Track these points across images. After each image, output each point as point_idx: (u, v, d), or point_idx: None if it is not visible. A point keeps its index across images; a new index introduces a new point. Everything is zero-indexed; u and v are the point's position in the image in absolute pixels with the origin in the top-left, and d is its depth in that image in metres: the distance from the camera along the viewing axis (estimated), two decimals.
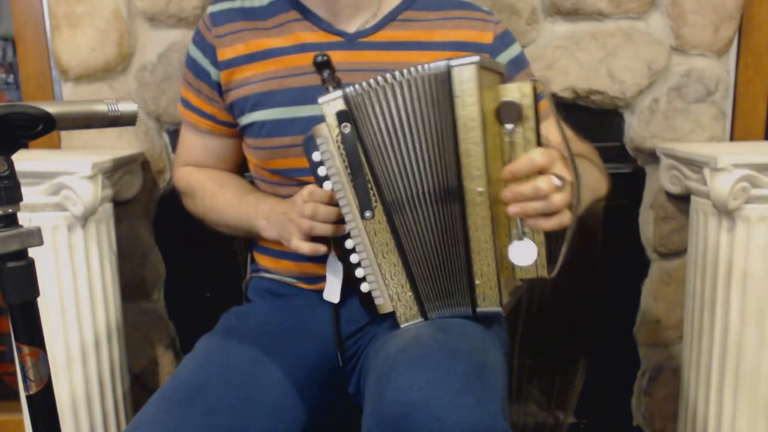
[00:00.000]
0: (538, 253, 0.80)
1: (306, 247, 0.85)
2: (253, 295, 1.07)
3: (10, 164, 0.61)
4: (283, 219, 0.90)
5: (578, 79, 1.35)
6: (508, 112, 0.76)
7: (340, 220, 0.85)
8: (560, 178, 0.76)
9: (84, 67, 1.32)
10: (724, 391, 1.23)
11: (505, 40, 1.02)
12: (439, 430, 0.67)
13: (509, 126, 0.77)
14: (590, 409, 1.50)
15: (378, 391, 0.74)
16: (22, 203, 0.62)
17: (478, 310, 0.84)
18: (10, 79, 1.73)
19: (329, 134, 0.82)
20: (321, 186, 0.85)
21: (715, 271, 1.21)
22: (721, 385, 1.23)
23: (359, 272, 0.87)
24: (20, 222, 0.62)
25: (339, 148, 0.82)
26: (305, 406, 0.89)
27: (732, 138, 1.42)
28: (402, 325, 0.87)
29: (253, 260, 1.10)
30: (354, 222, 0.84)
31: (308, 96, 0.93)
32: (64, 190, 1.12)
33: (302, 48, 0.97)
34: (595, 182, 0.96)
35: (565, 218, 0.77)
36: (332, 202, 0.84)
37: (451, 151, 0.79)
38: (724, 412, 1.23)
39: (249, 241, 1.11)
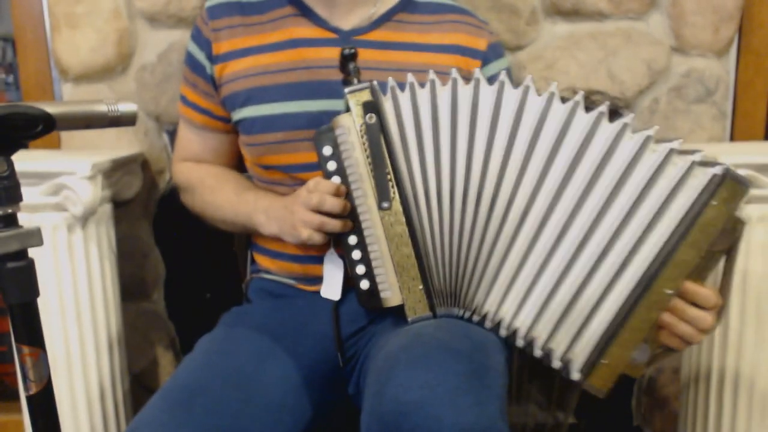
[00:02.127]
0: (647, 360, 0.80)
1: (318, 237, 0.86)
2: (253, 295, 1.07)
3: (10, 164, 0.61)
4: (285, 213, 0.90)
5: (578, 79, 1.35)
6: (722, 236, 0.76)
7: (345, 216, 0.85)
8: (717, 321, 0.77)
9: (84, 67, 1.32)
10: (724, 391, 1.23)
11: (497, 50, 1.03)
12: (438, 429, 0.67)
13: (716, 247, 0.76)
14: (590, 409, 1.50)
15: (377, 389, 0.74)
16: (22, 203, 0.62)
17: (586, 383, 0.83)
18: (10, 79, 1.73)
19: (353, 124, 0.84)
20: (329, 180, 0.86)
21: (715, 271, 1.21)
22: (721, 385, 1.23)
23: (360, 269, 0.87)
24: (20, 222, 0.62)
25: (362, 137, 0.83)
26: (305, 407, 0.89)
27: (732, 138, 1.42)
28: (409, 318, 0.87)
29: (253, 261, 1.10)
30: (368, 213, 0.85)
31: (301, 92, 0.94)
32: (64, 191, 1.12)
33: (295, 43, 0.97)
34: None
35: (684, 347, 0.79)
36: (338, 195, 0.84)
37: (663, 238, 0.77)
38: (724, 412, 1.23)
39: (249, 242, 1.11)
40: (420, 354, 0.76)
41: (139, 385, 1.45)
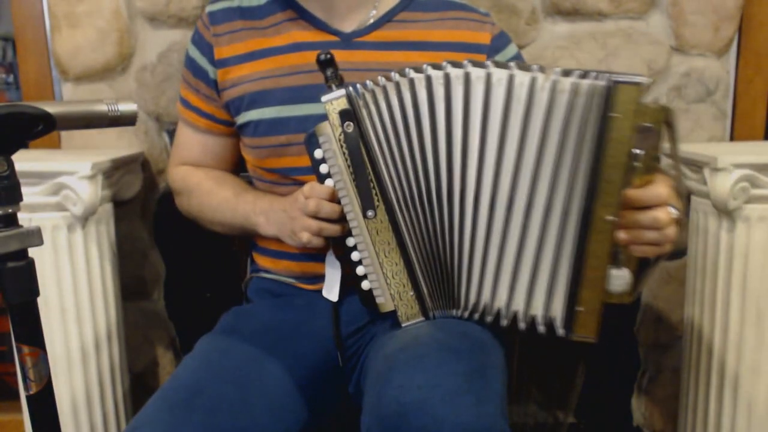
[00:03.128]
0: (630, 281, 0.78)
1: (317, 241, 0.85)
2: (253, 295, 1.07)
3: (10, 164, 0.61)
4: (284, 217, 0.90)
5: None
6: (642, 137, 0.73)
7: (342, 218, 0.85)
8: (677, 209, 0.75)
9: (84, 67, 1.32)
10: (724, 391, 1.22)
11: (502, 40, 1.02)
12: (438, 429, 0.67)
13: (637, 151, 0.73)
14: (590, 409, 1.50)
15: (377, 390, 0.74)
16: (22, 203, 0.62)
17: (574, 336, 0.82)
18: (10, 79, 1.73)
19: (332, 133, 0.83)
20: (322, 183, 0.85)
21: (715, 271, 1.21)
22: (721, 385, 1.23)
23: (360, 270, 0.87)
24: (20, 222, 0.62)
25: (342, 147, 0.83)
26: (305, 406, 0.89)
27: (732, 138, 1.42)
28: (403, 324, 0.87)
29: (252, 261, 1.10)
30: (356, 221, 0.84)
31: (304, 95, 0.94)
32: (64, 190, 1.12)
33: (297, 47, 0.97)
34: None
35: (667, 248, 0.76)
36: (333, 198, 0.85)
37: (580, 171, 0.76)
38: (724, 412, 1.23)
39: (248, 242, 1.11)
40: (419, 354, 0.76)
41: (139, 385, 1.45)
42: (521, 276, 0.83)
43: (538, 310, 0.83)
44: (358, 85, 0.82)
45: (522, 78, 0.77)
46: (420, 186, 0.83)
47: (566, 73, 0.75)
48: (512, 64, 0.78)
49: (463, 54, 0.97)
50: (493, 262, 0.84)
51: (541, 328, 0.83)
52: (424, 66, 0.80)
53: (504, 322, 0.85)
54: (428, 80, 0.80)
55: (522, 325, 0.84)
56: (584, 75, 0.75)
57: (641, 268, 0.79)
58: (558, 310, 0.82)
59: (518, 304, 0.84)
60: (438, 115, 0.81)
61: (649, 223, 0.74)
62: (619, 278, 0.78)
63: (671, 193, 0.75)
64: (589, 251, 0.78)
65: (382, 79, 0.82)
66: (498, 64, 0.78)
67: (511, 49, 1.02)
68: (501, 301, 0.85)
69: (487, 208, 0.82)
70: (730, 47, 1.36)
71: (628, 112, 0.73)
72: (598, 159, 0.75)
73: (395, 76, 0.81)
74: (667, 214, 0.74)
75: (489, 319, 0.86)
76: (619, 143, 0.74)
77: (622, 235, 0.76)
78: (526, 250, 0.82)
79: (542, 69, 0.77)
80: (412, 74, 0.80)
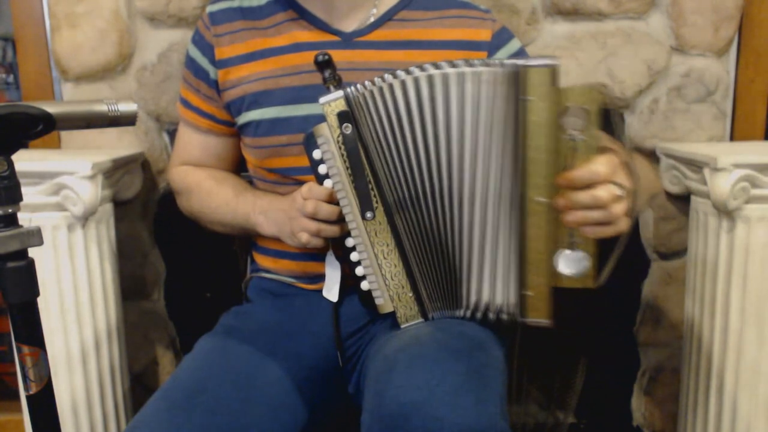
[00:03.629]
0: (589, 264, 0.77)
1: (317, 242, 0.86)
2: (253, 295, 1.07)
3: (10, 164, 0.61)
4: (283, 217, 0.91)
5: (578, 79, 1.35)
6: (573, 118, 0.73)
7: (341, 219, 0.85)
8: (621, 186, 0.74)
9: (84, 67, 1.32)
10: (724, 391, 1.22)
11: (503, 36, 1.01)
12: (438, 429, 0.67)
13: (573, 132, 0.73)
14: (590, 409, 1.50)
15: (377, 390, 0.74)
16: (22, 203, 0.62)
17: (527, 321, 0.83)
18: (10, 79, 1.73)
19: (330, 135, 0.82)
20: (321, 184, 0.85)
21: (715, 271, 1.21)
22: (721, 385, 1.23)
23: (359, 270, 0.87)
24: (20, 222, 0.62)
25: (340, 148, 0.82)
26: (305, 406, 0.89)
27: (732, 138, 1.42)
28: (402, 326, 0.87)
29: (252, 260, 1.10)
30: (355, 222, 0.84)
31: (305, 95, 0.94)
32: (64, 190, 1.12)
33: (298, 47, 0.97)
34: (651, 181, 0.94)
35: (622, 226, 0.75)
36: (332, 200, 0.85)
37: (508, 156, 0.77)
38: (724, 412, 1.23)
39: (249, 241, 1.11)
40: (418, 354, 0.76)
41: (139, 385, 1.45)
42: (496, 268, 0.84)
43: (499, 298, 0.85)
44: (358, 86, 0.82)
45: (452, 72, 0.79)
46: (416, 187, 0.83)
47: (470, 63, 0.77)
48: (443, 63, 0.79)
49: (464, 52, 0.97)
50: (488, 258, 0.84)
51: (504, 316, 0.85)
52: (411, 68, 0.81)
53: (504, 317, 0.86)
54: (416, 81, 0.80)
55: (491, 316, 0.86)
56: (487, 64, 0.77)
57: (605, 251, 0.78)
58: (512, 296, 0.83)
59: (487, 296, 0.85)
60: (424, 114, 0.81)
61: (589, 201, 0.73)
62: (573, 261, 0.78)
63: (613, 170, 0.73)
64: (528, 235, 0.79)
65: (378, 80, 0.82)
66: (436, 66, 0.79)
67: (514, 45, 1.02)
68: (486, 295, 0.86)
69: (456, 206, 0.83)
70: (730, 47, 1.36)
71: (542, 94, 0.73)
72: (520, 142, 0.76)
73: (389, 77, 0.81)
74: (607, 191, 0.73)
75: (492, 316, 0.86)
76: (538, 126, 0.74)
77: (568, 216, 0.75)
78: (486, 242, 0.83)
79: (469, 63, 0.78)
80: (404, 75, 0.80)
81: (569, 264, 0.78)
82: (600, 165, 0.73)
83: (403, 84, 0.80)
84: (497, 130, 0.78)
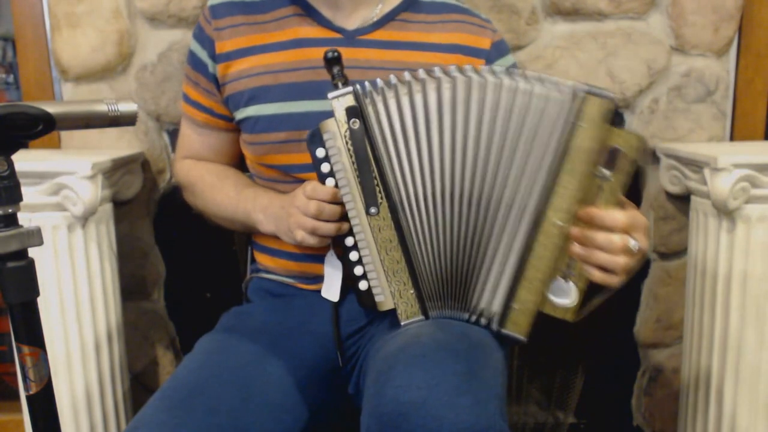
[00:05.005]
0: (576, 299, 0.79)
1: (313, 240, 0.86)
2: (253, 295, 1.07)
3: (10, 164, 0.61)
4: (282, 214, 0.90)
5: (578, 79, 1.34)
6: (610, 158, 0.75)
7: (341, 219, 0.85)
8: (638, 243, 0.75)
9: (84, 67, 1.32)
10: (724, 391, 1.23)
11: (501, 48, 1.03)
12: (438, 429, 0.67)
13: (605, 171, 0.76)
14: (590, 409, 1.50)
15: (377, 390, 0.74)
16: (22, 203, 0.62)
17: (503, 330, 0.85)
18: (10, 79, 1.73)
19: (337, 130, 0.83)
20: (323, 182, 0.85)
21: (715, 271, 1.21)
22: (721, 385, 1.23)
23: (358, 270, 0.87)
24: (20, 222, 0.62)
25: (346, 143, 0.83)
26: (305, 406, 0.89)
27: (732, 138, 1.42)
28: (402, 323, 0.87)
29: (253, 260, 1.10)
30: (358, 218, 0.84)
31: (304, 92, 0.94)
32: (64, 190, 1.12)
33: (299, 43, 0.97)
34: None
35: (618, 279, 0.77)
36: (335, 200, 0.85)
37: (542, 172, 0.79)
38: (724, 412, 1.23)
39: (249, 241, 1.11)
40: (418, 354, 0.76)
41: (139, 385, 1.45)
42: (499, 274, 0.85)
43: (485, 304, 0.86)
44: (366, 83, 0.83)
45: (509, 83, 0.80)
46: (425, 186, 0.84)
47: (541, 79, 0.78)
48: (496, 68, 0.81)
49: (463, 57, 0.98)
50: (497, 264, 0.84)
51: (483, 321, 0.86)
52: (434, 68, 0.82)
53: (494, 327, 0.86)
54: (423, 84, 0.82)
55: (473, 318, 0.87)
56: (553, 83, 0.78)
57: (590, 294, 0.80)
58: (497, 305, 0.85)
59: (486, 300, 0.86)
60: (443, 117, 0.82)
61: (602, 243, 0.75)
62: (563, 291, 0.79)
63: (635, 225, 0.76)
64: (534, 251, 0.80)
65: (393, 78, 0.83)
66: (490, 71, 0.81)
67: (509, 59, 1.04)
68: (486, 299, 0.86)
69: (503, 213, 0.83)
70: (730, 47, 1.36)
71: (594, 125, 0.75)
72: (558, 164, 0.77)
73: (405, 76, 0.82)
74: (623, 240, 0.75)
75: (483, 322, 0.86)
76: (580, 152, 0.76)
77: (576, 247, 0.77)
78: (502, 249, 0.84)
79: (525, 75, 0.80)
80: (422, 75, 0.82)
81: (558, 293, 0.80)
82: (623, 215, 0.75)
83: (423, 85, 0.81)
84: (538, 145, 0.79)
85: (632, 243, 0.75)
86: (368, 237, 0.85)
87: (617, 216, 0.75)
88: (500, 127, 0.81)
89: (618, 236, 0.75)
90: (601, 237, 0.75)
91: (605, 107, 0.75)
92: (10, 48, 1.68)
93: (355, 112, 0.82)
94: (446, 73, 0.81)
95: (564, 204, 0.77)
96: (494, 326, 0.85)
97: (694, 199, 1.28)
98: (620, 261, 0.75)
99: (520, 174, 0.81)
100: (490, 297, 0.85)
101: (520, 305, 0.82)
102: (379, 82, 0.83)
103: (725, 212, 1.17)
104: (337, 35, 0.98)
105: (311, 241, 0.86)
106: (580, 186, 0.76)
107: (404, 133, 0.83)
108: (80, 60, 1.32)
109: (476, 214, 0.84)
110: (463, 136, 0.82)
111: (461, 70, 0.81)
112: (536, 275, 0.80)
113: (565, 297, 0.79)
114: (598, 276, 0.77)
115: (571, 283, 0.79)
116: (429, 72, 0.82)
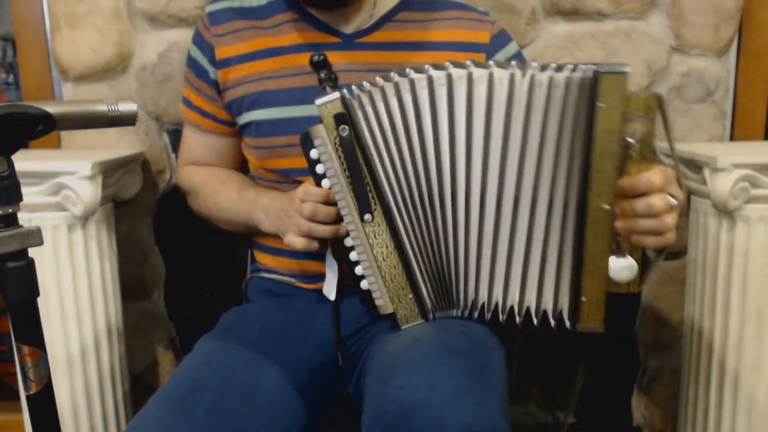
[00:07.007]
0: (636, 271, 0.78)
1: (299, 243, 0.85)
2: (253, 294, 1.07)
3: (10, 164, 0.61)
4: (281, 215, 0.91)
5: None
6: (633, 125, 0.73)
7: (338, 220, 0.85)
8: (674, 197, 0.74)
9: (84, 67, 1.32)
10: (724, 391, 1.22)
11: (501, 39, 1.02)
12: (439, 430, 0.67)
13: (629, 140, 0.74)
14: (590, 409, 1.50)
15: (378, 391, 0.74)
16: (22, 203, 0.62)
17: (582, 326, 0.83)
18: (10, 79, 1.73)
19: (327, 136, 0.82)
20: (319, 183, 0.85)
21: (715, 271, 1.21)
22: (721, 385, 1.23)
23: (359, 269, 0.87)
24: (20, 222, 0.62)
25: (337, 150, 0.82)
26: (305, 406, 0.89)
27: (732, 138, 1.42)
28: (402, 327, 0.87)
29: (253, 260, 1.10)
30: (353, 224, 0.84)
31: (306, 96, 0.94)
32: (64, 190, 1.12)
33: (299, 48, 0.97)
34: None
35: (670, 237, 0.76)
36: (329, 200, 0.84)
37: (563, 161, 0.77)
38: (724, 412, 1.23)
39: (249, 241, 1.11)
40: (419, 355, 0.76)
41: (139, 385, 1.45)
42: (527, 272, 0.83)
43: (548, 304, 0.84)
44: (353, 87, 0.82)
45: (501, 75, 0.77)
46: (420, 188, 0.83)
47: (543, 67, 0.76)
48: (491, 63, 0.78)
49: (463, 53, 0.97)
50: (501, 260, 0.84)
51: (552, 323, 0.84)
52: (407, 69, 0.80)
53: (501, 318, 0.85)
54: (411, 83, 0.80)
55: (518, 319, 0.85)
56: (560, 68, 0.75)
57: (646, 258, 0.79)
58: (565, 303, 0.83)
59: (530, 300, 0.85)
60: (426, 115, 0.81)
61: (644, 210, 0.74)
62: (624, 267, 0.78)
63: (668, 180, 0.74)
64: (587, 241, 0.78)
65: (380, 80, 0.81)
66: (477, 64, 0.79)
67: (512, 47, 1.02)
68: (513, 298, 0.85)
69: (491, 207, 0.82)
70: (730, 47, 1.36)
71: (615, 101, 0.73)
72: (588, 149, 0.75)
73: (393, 76, 0.81)
74: (662, 200, 0.73)
75: (488, 315, 0.86)
76: (607, 133, 0.74)
77: (619, 224, 0.76)
78: (533, 246, 0.82)
79: (521, 66, 0.78)
80: (398, 78, 0.80)
81: (618, 270, 0.78)
82: (657, 174, 0.73)
83: (412, 84, 0.80)
84: (551, 135, 0.77)
85: (670, 200, 0.74)
86: (364, 243, 0.84)
87: (651, 177, 0.73)
88: (520, 120, 0.78)
89: (657, 197, 0.73)
90: (641, 205, 0.74)
91: (619, 82, 0.72)
92: (10, 48, 1.68)
93: (343, 119, 0.81)
94: (439, 68, 0.79)
95: (604, 188, 0.75)
96: (567, 325, 0.83)
97: (694, 199, 1.28)
98: (667, 221, 0.74)
99: (532, 166, 0.79)
100: (536, 291, 0.84)
101: (589, 296, 0.80)
102: (366, 84, 0.81)
103: (725, 212, 1.17)
104: (336, 39, 0.98)
105: (298, 243, 0.85)
106: (614, 164, 0.74)
107: (395, 134, 0.82)
108: (80, 60, 1.32)
109: (496, 214, 0.82)
110: (466, 132, 0.80)
111: (455, 65, 0.79)
112: (597, 263, 0.78)
113: (627, 272, 0.78)
114: (650, 242, 0.76)
115: (628, 257, 0.77)
116: (418, 69, 0.80)
